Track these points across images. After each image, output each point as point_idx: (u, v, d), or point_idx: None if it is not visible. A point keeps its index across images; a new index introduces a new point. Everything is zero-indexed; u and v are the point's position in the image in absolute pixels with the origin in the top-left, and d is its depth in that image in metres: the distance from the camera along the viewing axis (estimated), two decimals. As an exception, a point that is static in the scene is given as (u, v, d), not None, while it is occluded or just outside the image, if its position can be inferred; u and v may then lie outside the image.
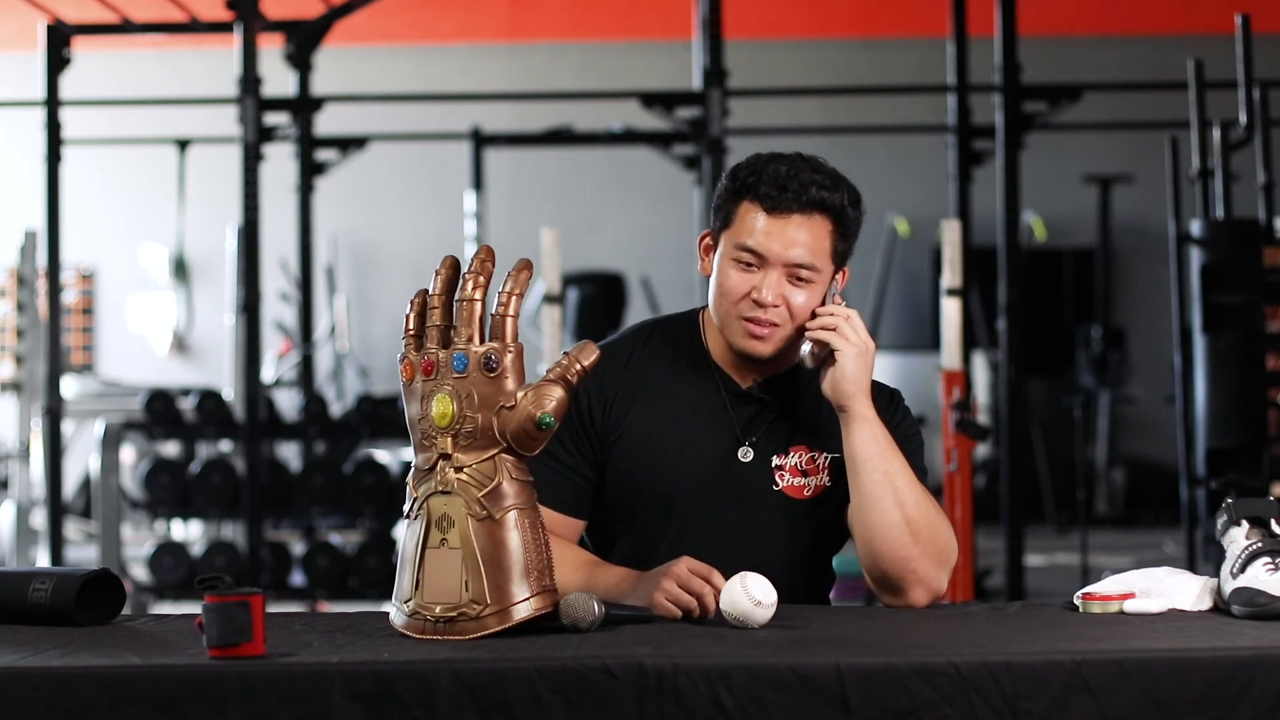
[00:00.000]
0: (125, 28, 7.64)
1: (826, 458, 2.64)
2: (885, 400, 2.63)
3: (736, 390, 2.65)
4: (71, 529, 9.47)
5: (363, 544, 7.24)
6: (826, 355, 2.56)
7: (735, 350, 2.62)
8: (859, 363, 2.54)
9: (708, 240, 2.66)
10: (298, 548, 7.49)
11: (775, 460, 2.63)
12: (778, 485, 2.63)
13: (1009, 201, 6.78)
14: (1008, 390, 6.76)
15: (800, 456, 2.64)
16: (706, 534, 2.61)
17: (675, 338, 2.71)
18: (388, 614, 2.32)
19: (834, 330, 2.54)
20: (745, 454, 2.63)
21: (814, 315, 2.57)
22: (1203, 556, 6.45)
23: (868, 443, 2.53)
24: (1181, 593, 2.39)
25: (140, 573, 7.42)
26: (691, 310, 2.75)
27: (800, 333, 2.58)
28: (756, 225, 2.57)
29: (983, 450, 9.48)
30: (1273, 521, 2.39)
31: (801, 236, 2.56)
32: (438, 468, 2.27)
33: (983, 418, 8.03)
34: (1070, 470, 9.87)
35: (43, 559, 7.56)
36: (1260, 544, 2.35)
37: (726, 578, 2.48)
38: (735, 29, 7.46)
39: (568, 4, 12.30)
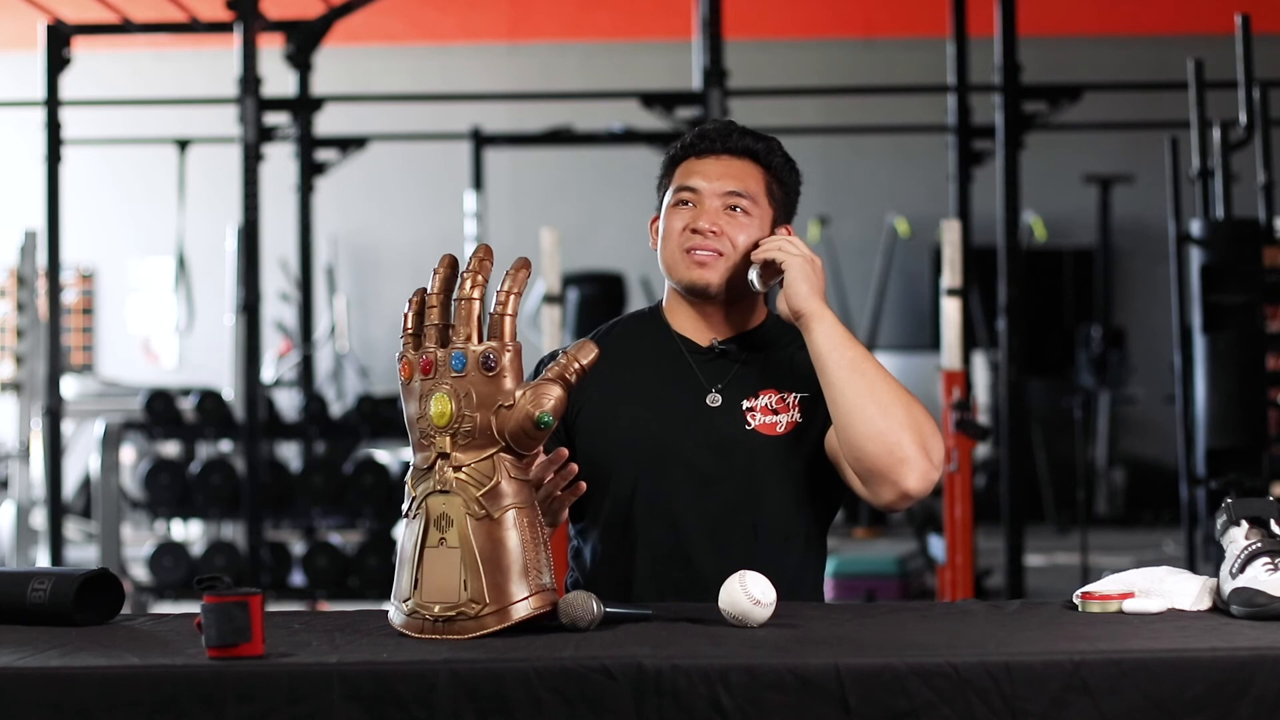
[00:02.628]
0: (125, 28, 7.64)
1: (796, 396, 2.68)
2: None
3: (698, 350, 2.72)
4: (71, 529, 9.47)
5: (363, 544, 7.24)
6: (776, 278, 2.63)
7: (685, 287, 2.70)
8: (806, 269, 2.61)
9: (657, 222, 2.76)
10: (298, 548, 7.49)
11: (745, 403, 2.67)
12: (750, 425, 2.66)
13: (1009, 201, 6.78)
14: (1008, 390, 6.76)
15: (770, 398, 2.68)
16: (685, 480, 2.64)
17: (639, 319, 2.81)
18: (387, 613, 2.32)
19: (777, 249, 2.63)
20: (714, 399, 2.68)
21: (756, 247, 2.67)
22: (1203, 556, 6.44)
23: (828, 337, 2.58)
24: (1181, 593, 2.39)
25: (140, 573, 7.42)
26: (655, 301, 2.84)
27: (745, 270, 2.66)
28: (690, 170, 2.71)
29: (983, 450, 9.48)
30: (1272, 521, 2.39)
31: (731, 170, 2.69)
32: (436, 467, 2.27)
33: (983, 418, 8.03)
34: (1070, 470, 9.87)
35: (43, 559, 7.56)
36: (1260, 544, 2.35)
37: (718, 526, 2.53)
38: (735, 29, 7.46)
39: (568, 4, 12.30)
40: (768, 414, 2.67)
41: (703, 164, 2.70)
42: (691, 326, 2.73)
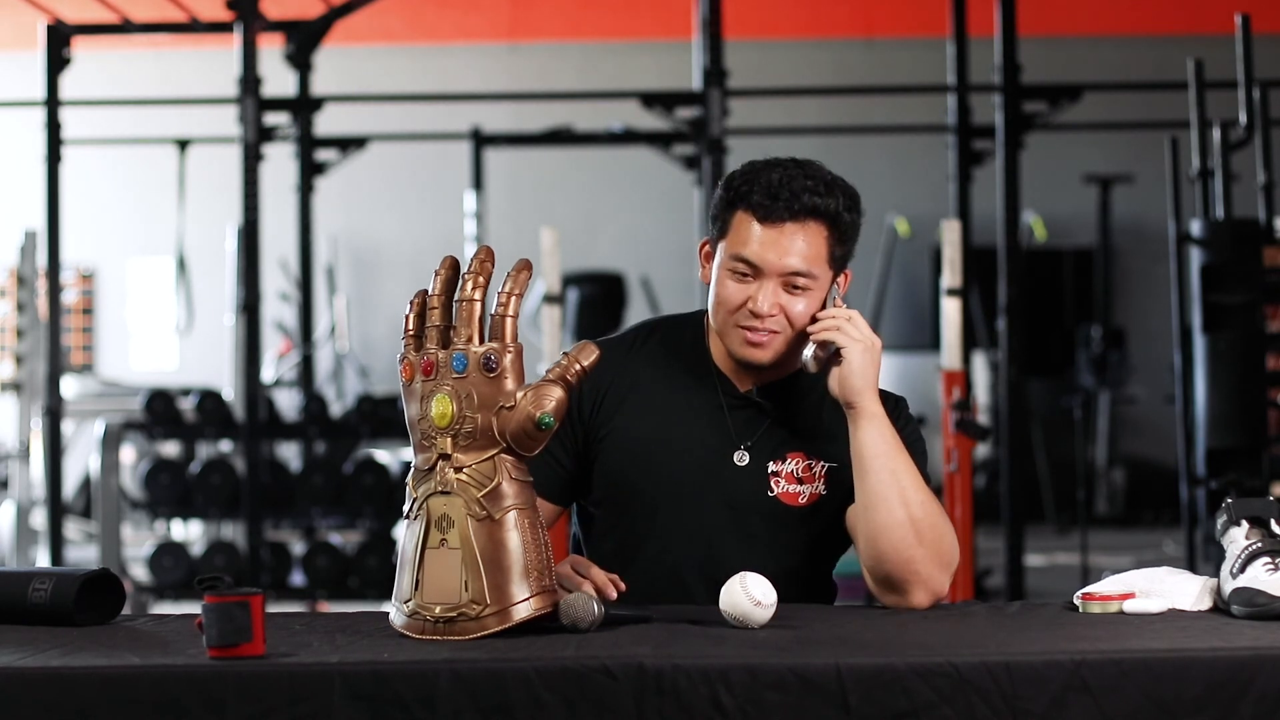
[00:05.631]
0: (125, 28, 7.64)
1: (823, 466, 2.62)
2: (890, 406, 2.60)
3: (735, 394, 2.64)
4: (71, 529, 9.47)
5: (363, 544, 7.24)
6: (830, 358, 2.54)
7: (734, 358, 2.61)
8: (866, 358, 2.52)
9: (707, 248, 2.65)
10: (298, 548, 7.49)
11: (771, 466, 2.61)
12: (772, 491, 2.61)
13: (1009, 201, 6.78)
14: (1008, 390, 6.76)
15: (797, 464, 2.62)
16: (696, 536, 2.61)
17: (677, 338, 2.70)
18: (387, 614, 2.32)
19: (837, 330, 2.53)
20: (741, 458, 2.62)
21: (814, 320, 2.56)
22: (1203, 556, 6.44)
23: (876, 440, 2.51)
24: (1181, 593, 2.39)
25: (140, 573, 7.42)
26: (698, 311, 2.74)
27: (801, 337, 2.57)
28: (751, 235, 2.55)
29: (983, 450, 9.48)
30: (1272, 521, 2.39)
31: (796, 245, 2.55)
32: (437, 468, 2.27)
33: (983, 418, 8.03)
34: (1070, 470, 9.87)
35: (43, 559, 7.56)
36: (1260, 544, 2.35)
37: (716, 581, 2.49)
38: (735, 29, 7.46)
39: (568, 4, 12.30)
40: (792, 481, 2.61)
41: (766, 234, 2.54)
42: (730, 366, 2.65)
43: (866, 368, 2.52)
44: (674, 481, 2.61)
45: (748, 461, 2.61)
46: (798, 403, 2.64)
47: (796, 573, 2.62)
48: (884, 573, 2.50)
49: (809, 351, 2.55)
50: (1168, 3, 12.09)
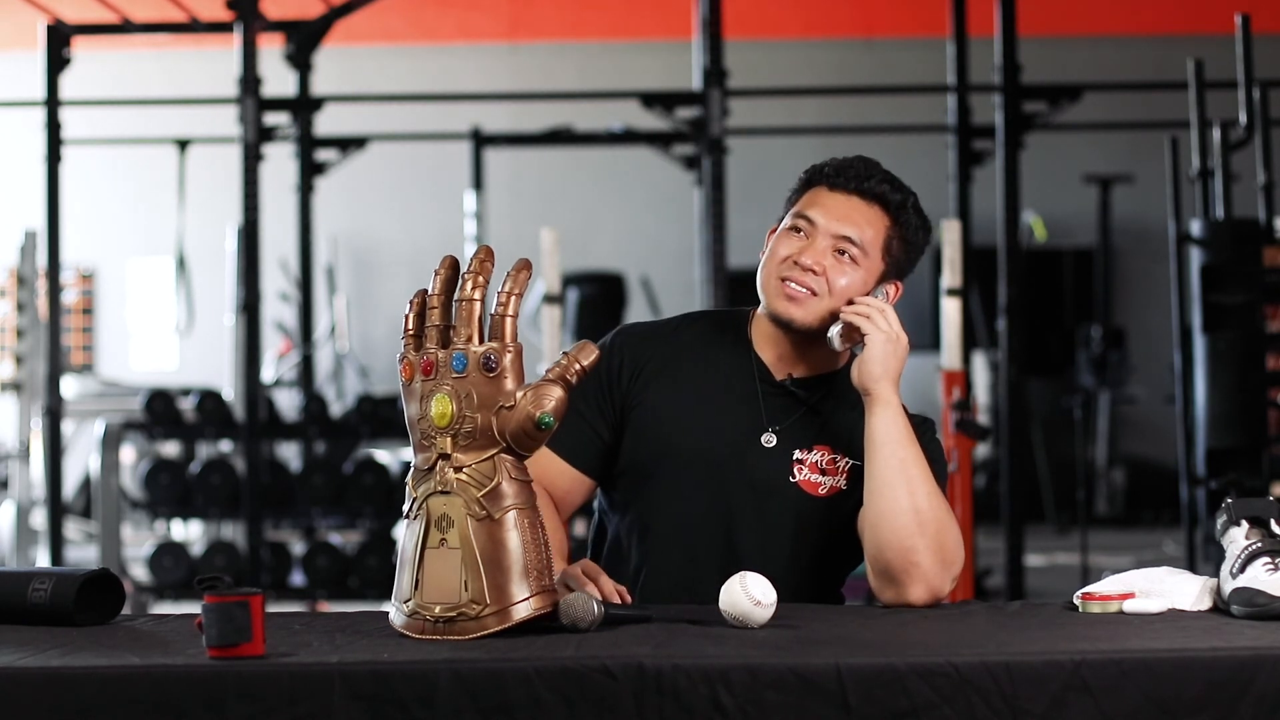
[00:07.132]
0: (125, 28, 7.64)
1: (848, 463, 2.64)
2: (915, 425, 2.61)
3: (771, 381, 2.68)
4: (71, 529, 9.47)
5: (363, 544, 7.24)
6: (855, 343, 2.59)
7: (770, 315, 2.65)
8: (887, 349, 2.55)
9: (774, 235, 2.70)
10: (298, 548, 7.49)
11: (797, 453, 2.64)
12: (794, 477, 2.63)
13: (1009, 201, 6.78)
14: (1008, 390, 6.76)
15: (822, 455, 2.64)
16: (714, 512, 2.63)
17: (723, 325, 2.76)
18: (387, 614, 2.32)
19: (867, 317, 2.57)
20: (768, 440, 2.64)
21: (850, 304, 2.61)
22: (1203, 556, 6.45)
23: (887, 427, 2.53)
24: (1181, 593, 2.39)
25: (140, 573, 7.42)
26: (747, 307, 2.79)
27: (836, 318, 2.61)
28: (816, 199, 2.66)
29: (983, 450, 9.48)
30: (1272, 521, 2.39)
31: (855, 216, 2.63)
32: (437, 468, 2.27)
33: (983, 418, 8.03)
34: (1070, 470, 9.87)
35: (43, 559, 7.56)
36: (1260, 544, 2.35)
37: (729, 561, 2.50)
38: (735, 29, 7.46)
39: (568, 4, 12.30)
40: (815, 471, 2.64)
41: (831, 198, 2.65)
42: (771, 352, 2.68)
43: (887, 358, 2.55)
44: (699, 455, 2.64)
45: (774, 444, 2.64)
46: (833, 401, 2.67)
47: (807, 569, 2.64)
48: (884, 562, 2.51)
49: (835, 329, 2.60)
50: (1168, 3, 12.09)
